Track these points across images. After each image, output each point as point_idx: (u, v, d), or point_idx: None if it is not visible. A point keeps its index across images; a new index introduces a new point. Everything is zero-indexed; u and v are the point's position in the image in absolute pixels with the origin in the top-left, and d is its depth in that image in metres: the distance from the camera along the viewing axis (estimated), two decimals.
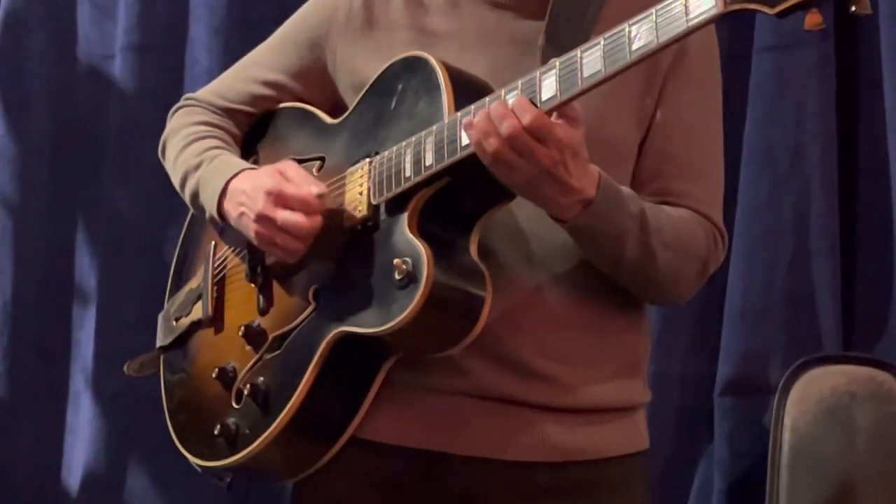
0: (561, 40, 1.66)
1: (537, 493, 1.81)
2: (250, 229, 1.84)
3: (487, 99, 1.68)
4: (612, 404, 1.84)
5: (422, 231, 1.72)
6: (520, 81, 1.66)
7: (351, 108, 1.90)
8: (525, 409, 1.79)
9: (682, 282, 1.83)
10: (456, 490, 1.82)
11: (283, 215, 1.80)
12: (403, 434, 1.81)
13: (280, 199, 1.80)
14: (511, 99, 1.65)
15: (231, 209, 1.88)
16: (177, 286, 2.12)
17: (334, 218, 1.82)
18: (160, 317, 2.13)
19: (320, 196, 1.80)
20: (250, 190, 1.85)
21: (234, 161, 1.95)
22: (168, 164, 2.05)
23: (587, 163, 1.68)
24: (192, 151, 1.98)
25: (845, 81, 2.80)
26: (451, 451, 1.80)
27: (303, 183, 1.82)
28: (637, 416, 1.90)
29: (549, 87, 1.62)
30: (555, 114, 1.63)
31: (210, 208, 1.92)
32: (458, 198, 1.74)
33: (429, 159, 1.71)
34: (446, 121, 1.71)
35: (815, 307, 2.80)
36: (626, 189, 1.76)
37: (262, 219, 1.82)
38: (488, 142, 1.63)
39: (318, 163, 1.91)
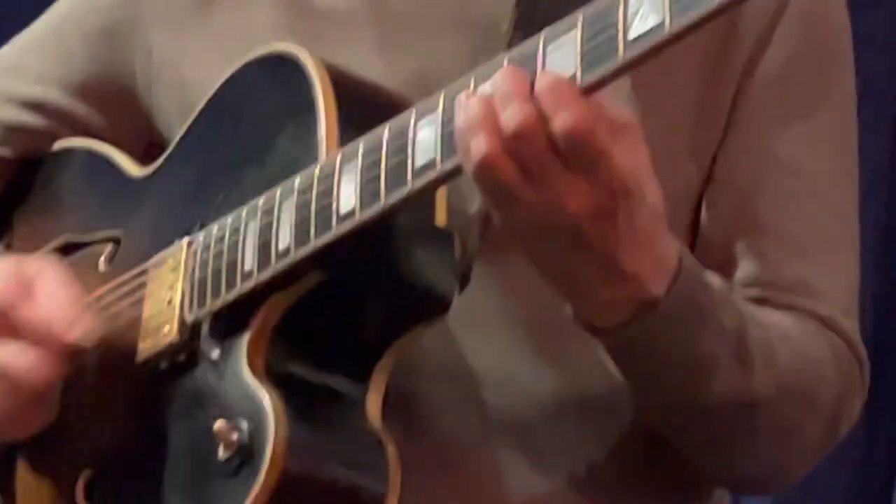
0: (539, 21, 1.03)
1: None
2: None
3: (412, 115, 1.08)
4: None
5: (273, 371, 1.17)
6: (505, 57, 1.03)
7: (170, 148, 1.36)
8: None
9: (793, 447, 1.21)
10: None
11: (6, 353, 1.24)
12: None
13: (6, 325, 1.25)
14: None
15: None
16: None
17: (123, 348, 1.28)
18: None
19: (77, 323, 1.25)
20: None
21: None
22: None
23: (662, 221, 1.04)
24: None
25: None
26: None
27: (55, 300, 1.26)
28: None
29: (561, 60, 0.98)
30: None
31: None
32: (346, 308, 1.18)
33: (284, 239, 1.15)
34: (320, 165, 1.15)
35: None
36: (717, 282, 1.15)
37: None
38: (478, 138, 1.00)
39: (109, 247, 1.37)
